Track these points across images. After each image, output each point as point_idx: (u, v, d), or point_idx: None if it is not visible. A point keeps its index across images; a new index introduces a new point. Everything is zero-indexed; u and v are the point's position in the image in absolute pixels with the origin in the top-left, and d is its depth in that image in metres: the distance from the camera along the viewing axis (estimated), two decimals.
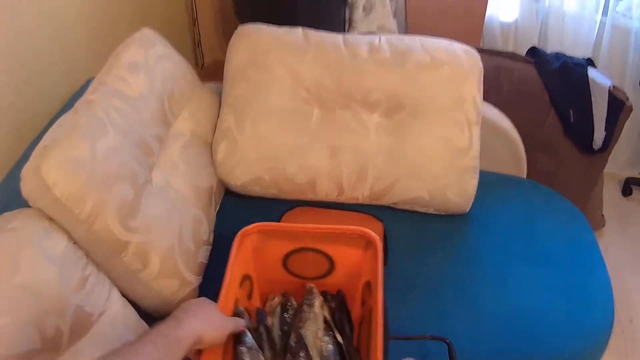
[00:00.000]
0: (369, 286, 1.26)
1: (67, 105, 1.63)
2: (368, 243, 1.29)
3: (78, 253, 1.19)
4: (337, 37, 1.79)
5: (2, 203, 1.28)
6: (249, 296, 1.34)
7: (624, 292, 2.39)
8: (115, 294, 1.26)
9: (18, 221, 1.13)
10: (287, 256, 1.34)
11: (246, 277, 1.32)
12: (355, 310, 1.34)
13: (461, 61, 1.75)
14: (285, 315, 1.32)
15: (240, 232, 1.29)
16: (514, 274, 1.59)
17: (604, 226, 2.68)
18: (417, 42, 1.78)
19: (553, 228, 1.77)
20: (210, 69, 1.89)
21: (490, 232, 1.74)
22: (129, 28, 1.66)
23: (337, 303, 1.34)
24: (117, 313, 1.23)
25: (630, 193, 2.97)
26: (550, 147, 2.28)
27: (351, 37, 1.81)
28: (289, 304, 1.34)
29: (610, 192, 2.94)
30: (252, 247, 1.32)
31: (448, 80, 1.72)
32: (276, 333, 1.28)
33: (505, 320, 1.47)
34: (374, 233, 1.28)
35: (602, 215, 2.66)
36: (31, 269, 1.06)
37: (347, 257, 1.33)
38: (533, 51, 2.39)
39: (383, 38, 1.79)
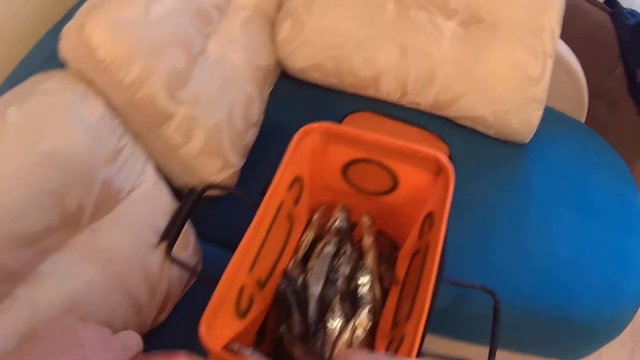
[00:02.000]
0: (430, 218, 1.14)
1: None
2: (439, 169, 1.16)
3: (114, 122, 1.07)
4: None
5: (35, 66, 1.17)
6: (296, 201, 1.21)
7: None
8: (150, 170, 1.15)
9: (52, 83, 1.01)
10: (348, 165, 1.21)
11: (297, 180, 1.18)
12: (411, 241, 1.23)
13: None
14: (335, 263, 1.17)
15: (301, 130, 1.14)
16: (559, 216, 1.55)
17: None
18: None
19: (603, 181, 1.71)
20: None
21: (544, 168, 1.67)
22: None
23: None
24: (148, 191, 1.12)
25: None
26: (612, 99, 2.18)
27: None
28: (343, 250, 1.19)
29: None
30: (311, 147, 1.18)
31: (530, 3, 1.62)
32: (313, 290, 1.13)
33: (543, 263, 1.45)
34: (448, 160, 1.14)
35: None
36: (59, 135, 0.94)
37: (413, 178, 1.19)
38: (610, 1, 2.27)
39: None
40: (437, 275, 0.97)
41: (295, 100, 1.65)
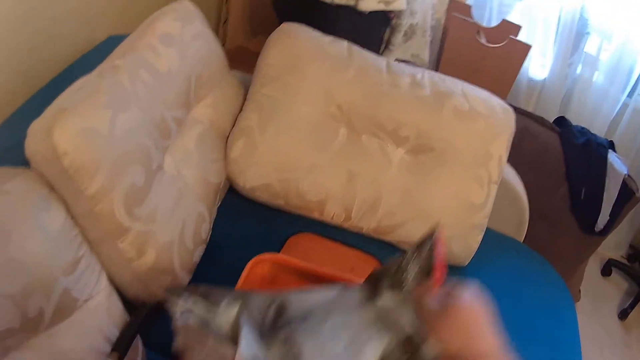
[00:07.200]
0: None
1: (84, 60, 1.56)
2: None
3: (74, 231, 1.10)
4: (381, 61, 1.73)
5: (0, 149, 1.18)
6: None
7: None
8: (104, 281, 1.17)
9: (15, 183, 1.01)
10: None
11: None
12: None
13: (497, 117, 1.70)
14: None
15: (253, 260, 1.21)
16: None
17: (578, 301, 2.69)
18: (458, 86, 1.73)
19: (539, 299, 1.75)
20: (231, 54, 1.77)
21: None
22: None
23: None
24: (102, 302, 1.15)
25: (609, 274, 2.98)
26: (553, 218, 2.26)
27: (395, 64, 1.74)
28: None
29: (589, 269, 2.95)
30: (260, 276, 1.24)
31: (481, 133, 1.67)
32: None
33: None
34: None
35: (579, 291, 2.67)
36: (24, 242, 0.96)
37: None
38: (560, 120, 2.37)
39: (426, 74, 1.73)
40: None
41: (240, 216, 1.66)
